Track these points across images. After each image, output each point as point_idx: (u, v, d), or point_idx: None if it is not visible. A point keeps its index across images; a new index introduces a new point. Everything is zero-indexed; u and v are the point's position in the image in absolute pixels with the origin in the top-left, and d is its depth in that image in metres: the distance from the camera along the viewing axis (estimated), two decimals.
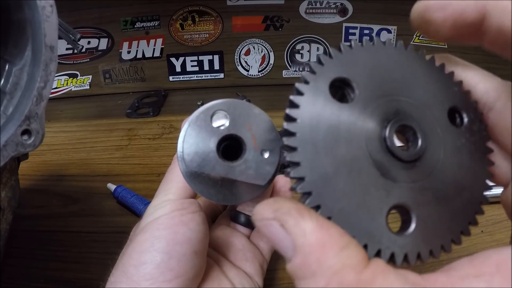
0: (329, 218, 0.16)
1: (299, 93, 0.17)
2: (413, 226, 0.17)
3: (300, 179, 0.16)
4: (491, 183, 0.19)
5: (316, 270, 0.14)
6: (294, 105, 0.17)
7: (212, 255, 0.30)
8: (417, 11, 0.19)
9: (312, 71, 0.18)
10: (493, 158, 0.19)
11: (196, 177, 0.25)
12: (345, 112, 0.17)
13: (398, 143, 0.18)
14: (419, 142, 0.18)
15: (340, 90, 0.18)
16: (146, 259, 0.24)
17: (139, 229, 0.26)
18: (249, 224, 0.33)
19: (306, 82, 0.18)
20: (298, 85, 0.18)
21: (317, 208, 0.16)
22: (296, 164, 0.16)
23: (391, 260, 0.17)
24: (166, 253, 0.24)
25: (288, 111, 0.17)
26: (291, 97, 0.17)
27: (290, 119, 0.17)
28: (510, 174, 0.19)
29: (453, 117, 0.19)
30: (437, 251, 0.17)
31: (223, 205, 0.36)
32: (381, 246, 0.16)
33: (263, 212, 0.16)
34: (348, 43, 0.19)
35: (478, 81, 0.20)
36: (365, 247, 0.16)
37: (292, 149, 0.17)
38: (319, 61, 0.18)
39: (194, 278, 0.25)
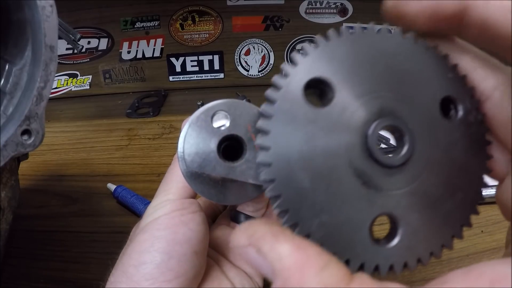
0: (308, 235, 0.15)
1: (271, 101, 0.16)
2: (398, 237, 0.16)
3: (276, 197, 0.15)
4: (490, 182, 0.18)
5: None
6: (266, 116, 0.16)
7: (212, 255, 0.30)
8: (389, 3, 0.17)
9: (284, 74, 0.16)
10: (491, 150, 0.18)
11: (197, 177, 0.25)
12: (321, 118, 0.16)
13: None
14: (406, 145, 0.16)
15: (318, 89, 0.17)
16: (146, 259, 0.24)
17: (139, 229, 0.26)
18: None
19: (278, 88, 0.16)
20: (268, 92, 0.16)
21: (294, 226, 0.15)
22: (271, 181, 0.15)
23: (376, 271, 0.16)
24: (166, 253, 0.24)
25: (260, 122, 0.16)
26: (262, 108, 0.16)
27: (262, 131, 0.16)
28: (507, 168, 0.18)
29: (447, 108, 0.18)
30: (425, 258, 0.16)
31: (223, 205, 0.36)
32: (364, 259, 0.16)
33: (239, 239, 0.16)
34: (324, 36, 0.17)
35: (476, 65, 0.18)
36: (348, 262, 0.16)
37: (266, 165, 0.16)
38: (292, 61, 0.16)
39: (194, 278, 0.25)
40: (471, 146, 0.17)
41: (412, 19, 0.17)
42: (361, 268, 0.16)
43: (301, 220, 0.15)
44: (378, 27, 0.17)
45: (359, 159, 0.16)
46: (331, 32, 0.17)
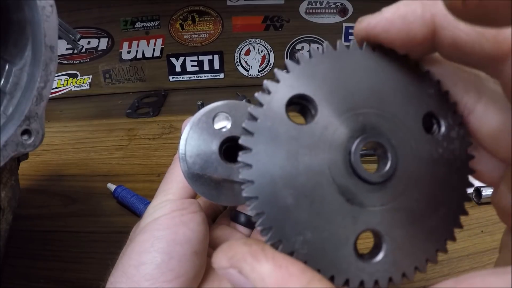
0: (291, 253, 0.15)
1: (253, 118, 0.16)
2: (382, 253, 0.16)
3: (259, 214, 0.15)
4: (482, 184, 0.18)
5: None
6: (248, 132, 0.16)
7: (212, 255, 0.30)
8: (359, 35, 0.17)
9: (267, 91, 0.16)
10: (479, 159, 0.18)
11: (198, 178, 0.25)
12: (304, 135, 0.16)
13: None
14: (389, 162, 0.16)
15: (300, 105, 0.17)
16: (146, 260, 0.24)
17: (139, 229, 0.26)
18: (249, 224, 0.33)
19: (260, 105, 0.16)
20: (251, 109, 0.16)
21: (278, 243, 0.15)
22: (254, 198, 0.15)
23: (361, 286, 0.16)
24: (167, 254, 0.24)
25: (242, 139, 0.16)
26: (244, 124, 0.16)
27: (244, 148, 0.16)
28: (499, 174, 0.18)
29: (429, 124, 0.18)
30: (410, 273, 0.16)
31: (224, 205, 0.36)
32: (349, 275, 0.16)
33: (219, 261, 0.16)
34: (306, 52, 0.17)
35: (457, 79, 0.18)
36: (332, 278, 0.16)
37: (249, 182, 0.15)
38: (274, 78, 0.16)
39: (194, 278, 0.25)
40: (454, 161, 0.18)
41: (388, 45, 0.17)
42: (345, 284, 0.16)
43: (285, 237, 0.15)
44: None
45: (342, 176, 0.16)
46: (313, 49, 0.17)
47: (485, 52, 0.15)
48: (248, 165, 0.16)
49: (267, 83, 0.16)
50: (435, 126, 0.18)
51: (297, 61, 0.17)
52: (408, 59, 0.18)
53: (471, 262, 0.42)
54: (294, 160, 0.16)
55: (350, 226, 0.16)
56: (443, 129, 0.17)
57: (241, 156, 0.16)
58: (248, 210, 0.16)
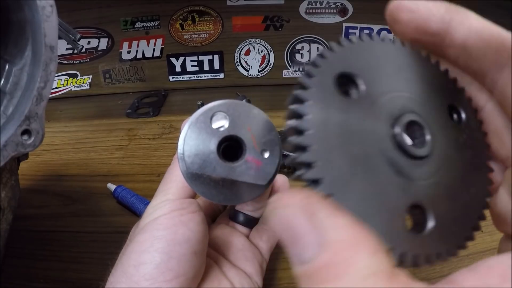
0: None
1: (304, 87, 0.16)
2: (431, 225, 0.16)
3: (315, 182, 0.15)
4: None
5: (343, 272, 0.12)
6: (300, 100, 0.16)
7: (211, 255, 0.30)
8: (390, 8, 0.19)
9: (315, 65, 0.17)
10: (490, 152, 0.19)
11: (197, 178, 0.25)
12: (353, 108, 0.16)
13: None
14: (428, 137, 0.17)
15: (343, 86, 0.17)
16: (146, 259, 0.24)
17: (139, 229, 0.26)
18: (248, 223, 0.33)
19: (310, 76, 0.16)
20: (302, 79, 0.16)
21: None
22: (309, 164, 0.15)
23: (415, 261, 0.16)
24: (166, 253, 0.24)
25: (294, 107, 0.16)
26: (296, 92, 0.16)
27: (296, 115, 0.16)
28: (500, 179, 0.19)
29: (452, 115, 0.19)
30: (454, 249, 0.17)
31: (223, 204, 0.36)
32: (404, 249, 0.15)
33: (288, 199, 0.14)
34: (348, 38, 0.18)
35: (472, 80, 0.19)
36: (389, 251, 0.15)
37: (303, 148, 0.15)
38: (321, 55, 0.17)
39: (193, 278, 0.25)
40: (476, 147, 0.19)
41: (403, 26, 0.18)
42: (401, 257, 0.15)
43: (345, 206, 0.15)
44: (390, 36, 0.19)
45: (389, 149, 0.17)
46: (353, 37, 0.18)
47: (487, 59, 0.16)
48: (301, 132, 0.15)
49: (315, 58, 0.17)
50: (456, 117, 0.19)
51: (340, 44, 0.17)
52: (431, 57, 0.19)
53: (471, 262, 0.42)
54: (346, 130, 0.16)
55: (401, 198, 0.16)
56: (463, 118, 0.19)
57: (294, 122, 0.15)
58: (304, 177, 0.15)
